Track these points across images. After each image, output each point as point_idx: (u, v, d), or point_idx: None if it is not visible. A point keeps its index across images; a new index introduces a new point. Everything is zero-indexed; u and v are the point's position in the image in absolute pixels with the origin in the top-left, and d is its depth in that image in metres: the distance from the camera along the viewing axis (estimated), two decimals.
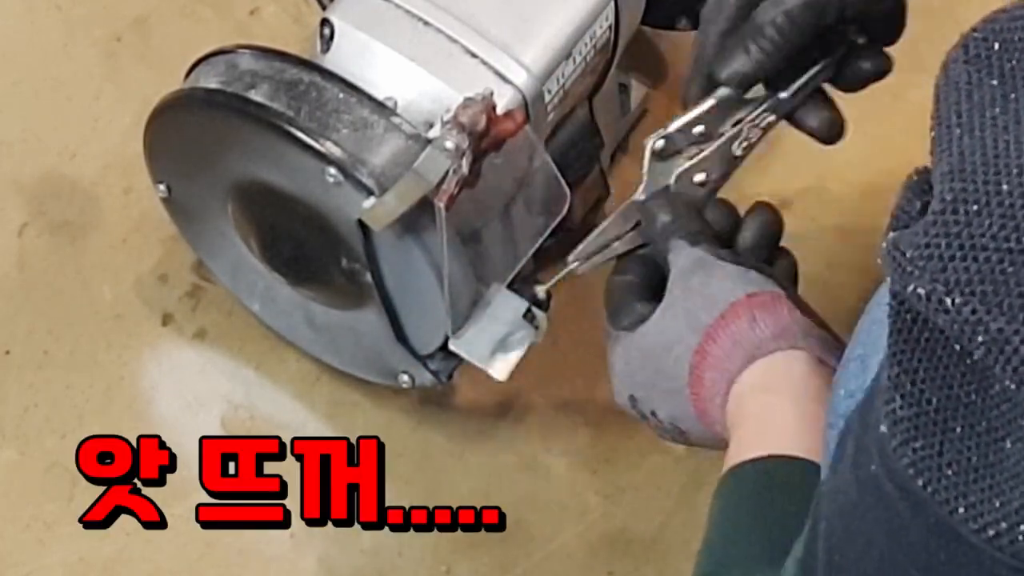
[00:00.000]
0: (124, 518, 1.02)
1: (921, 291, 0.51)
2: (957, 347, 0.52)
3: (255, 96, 0.91)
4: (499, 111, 0.86)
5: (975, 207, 0.51)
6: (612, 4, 0.98)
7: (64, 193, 1.14)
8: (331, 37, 0.94)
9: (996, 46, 0.55)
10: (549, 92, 0.96)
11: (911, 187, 0.55)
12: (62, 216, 1.13)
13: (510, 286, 0.96)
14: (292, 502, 1.03)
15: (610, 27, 0.99)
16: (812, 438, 0.81)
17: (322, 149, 0.88)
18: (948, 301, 0.51)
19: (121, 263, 1.11)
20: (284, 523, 1.01)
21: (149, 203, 1.07)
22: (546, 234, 0.96)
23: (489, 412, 1.07)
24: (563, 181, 0.94)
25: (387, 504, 1.03)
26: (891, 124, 1.17)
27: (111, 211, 1.13)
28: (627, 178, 1.14)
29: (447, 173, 0.84)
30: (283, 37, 1.17)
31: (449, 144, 0.83)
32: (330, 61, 0.93)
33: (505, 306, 0.96)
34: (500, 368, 0.95)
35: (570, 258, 0.94)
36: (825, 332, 0.87)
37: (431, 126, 0.90)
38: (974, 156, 0.52)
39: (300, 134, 0.89)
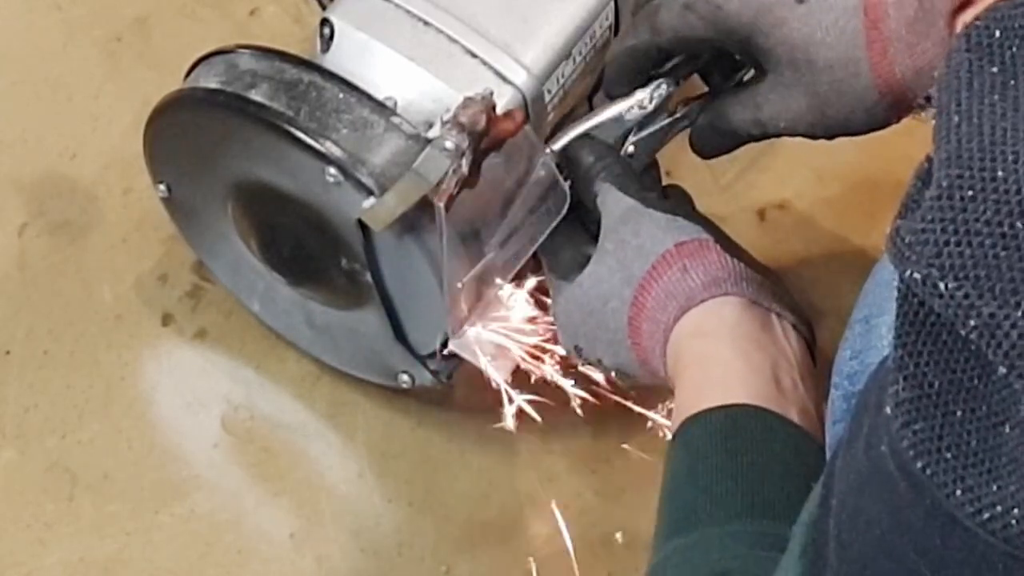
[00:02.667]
0: (124, 518, 1.03)
1: (917, 275, 0.52)
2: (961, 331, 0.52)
3: (255, 96, 0.91)
4: (499, 111, 0.86)
5: (970, 193, 0.52)
6: (612, 4, 0.98)
7: (64, 193, 1.14)
8: (331, 37, 0.94)
9: (997, 33, 0.55)
10: (549, 92, 0.96)
11: (919, 174, 0.56)
12: (62, 216, 1.13)
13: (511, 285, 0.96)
14: (292, 502, 1.04)
15: (610, 27, 0.99)
16: (756, 384, 0.84)
17: (322, 149, 0.88)
18: (942, 285, 0.51)
19: (121, 263, 1.11)
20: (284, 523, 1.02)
21: (149, 203, 1.07)
22: (546, 234, 0.96)
23: (489, 412, 1.07)
24: (563, 181, 0.94)
25: (387, 504, 1.04)
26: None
27: (111, 211, 1.13)
28: None
29: (447, 173, 0.84)
30: (283, 37, 1.17)
31: (449, 144, 0.83)
32: (330, 61, 0.93)
33: (505, 306, 0.96)
34: (501, 368, 0.95)
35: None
36: (756, 273, 0.88)
37: (431, 126, 0.90)
38: (971, 143, 0.52)
39: (300, 134, 0.89)
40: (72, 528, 1.02)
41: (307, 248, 0.97)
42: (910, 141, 1.15)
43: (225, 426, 1.06)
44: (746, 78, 0.94)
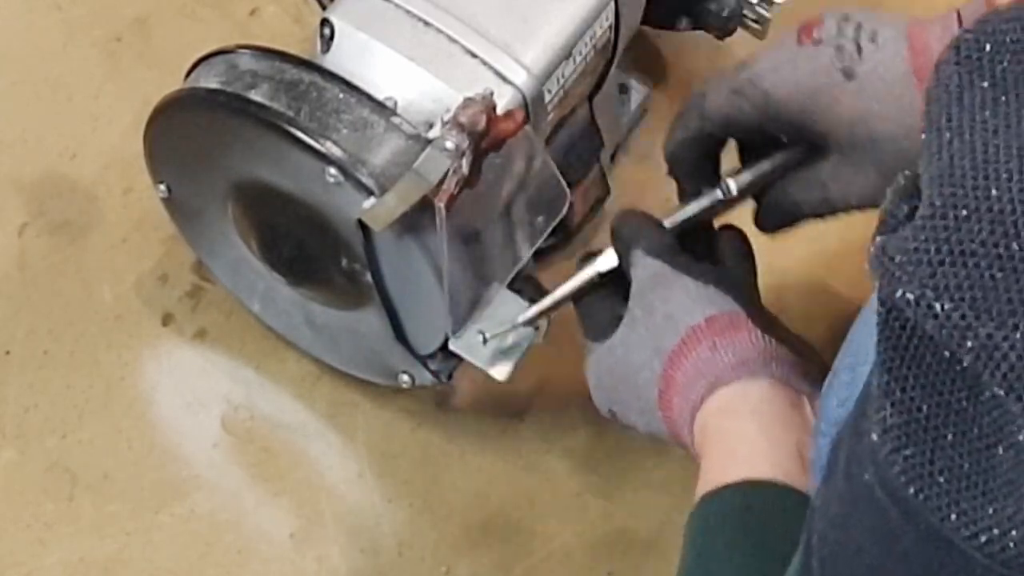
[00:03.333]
0: (124, 518, 1.03)
1: (910, 296, 0.51)
2: (947, 353, 0.51)
3: (255, 96, 0.91)
4: (499, 111, 0.86)
5: (964, 212, 0.51)
6: (612, 4, 0.98)
7: (64, 193, 1.14)
8: (331, 37, 0.94)
9: (987, 47, 0.55)
10: (549, 92, 0.96)
11: (898, 191, 0.55)
12: (62, 216, 1.13)
13: (510, 286, 0.96)
14: (292, 502, 1.04)
15: (610, 27, 0.99)
16: (781, 461, 0.82)
17: (322, 149, 0.88)
18: (937, 306, 0.50)
19: (121, 263, 1.11)
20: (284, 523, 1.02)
21: (149, 203, 1.07)
22: (546, 234, 0.96)
23: (489, 412, 1.07)
24: (563, 181, 0.94)
25: (387, 504, 1.04)
26: None
27: (111, 211, 1.13)
28: (627, 178, 1.14)
29: (447, 173, 0.84)
30: (283, 37, 1.17)
31: (449, 144, 0.83)
32: (330, 61, 0.93)
33: (505, 306, 0.96)
34: (500, 369, 0.95)
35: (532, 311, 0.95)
36: (788, 349, 0.86)
37: (431, 126, 0.90)
38: (963, 160, 0.52)
39: (300, 134, 0.89)
40: (72, 528, 1.02)
41: (307, 248, 0.97)
42: None
43: (225, 426, 1.06)
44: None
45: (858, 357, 0.75)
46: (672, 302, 0.87)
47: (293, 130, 0.89)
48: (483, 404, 1.07)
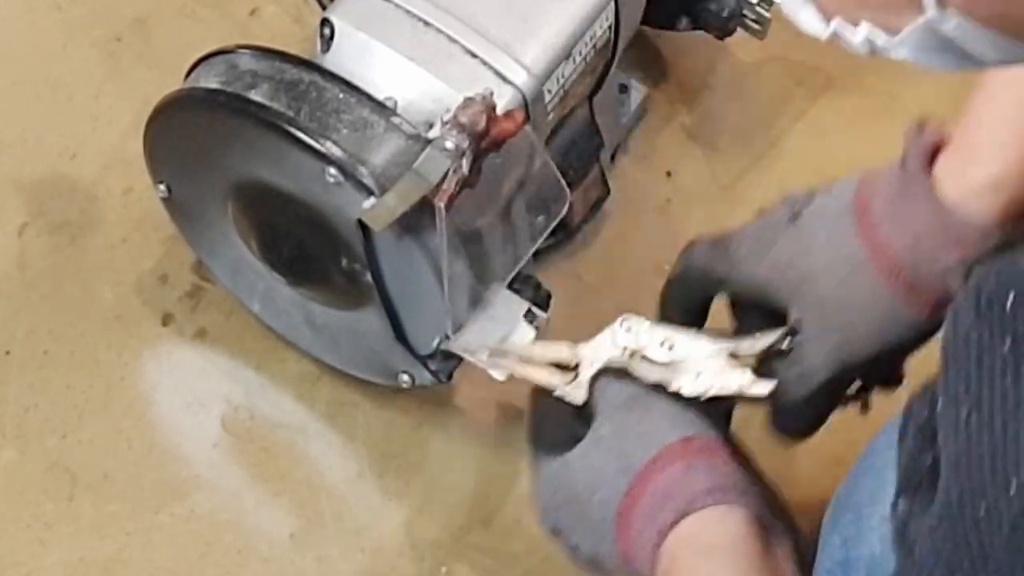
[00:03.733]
0: (124, 518, 1.03)
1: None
2: None
3: (255, 96, 0.91)
4: (499, 111, 0.86)
5: (983, 512, 0.48)
6: (612, 4, 0.98)
7: (64, 193, 1.14)
8: (331, 37, 0.94)
9: (1010, 299, 0.51)
10: (549, 92, 0.96)
11: (919, 430, 0.52)
12: (62, 216, 1.13)
13: (510, 286, 0.96)
14: (292, 502, 1.04)
15: (610, 27, 0.99)
16: None
17: (322, 149, 0.88)
18: None
19: (121, 263, 1.11)
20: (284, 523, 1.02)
21: (149, 203, 1.07)
22: (546, 234, 0.96)
23: (489, 412, 1.07)
24: (563, 181, 0.94)
25: (387, 504, 1.04)
26: (891, 124, 1.17)
27: (111, 211, 1.13)
28: (627, 178, 1.14)
29: (447, 173, 0.84)
30: (283, 37, 1.17)
31: (449, 144, 0.83)
32: (330, 61, 0.93)
33: (505, 306, 0.96)
34: (500, 369, 0.95)
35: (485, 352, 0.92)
36: (761, 486, 0.81)
37: (431, 126, 0.90)
38: (982, 443, 0.48)
39: (300, 134, 0.89)
40: (72, 528, 1.02)
41: (307, 248, 0.97)
42: None
43: (225, 426, 1.06)
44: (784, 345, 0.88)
45: (864, 497, 0.72)
46: (648, 422, 0.82)
47: (293, 130, 0.89)
48: (483, 404, 1.07)
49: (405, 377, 1.00)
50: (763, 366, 0.86)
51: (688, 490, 0.79)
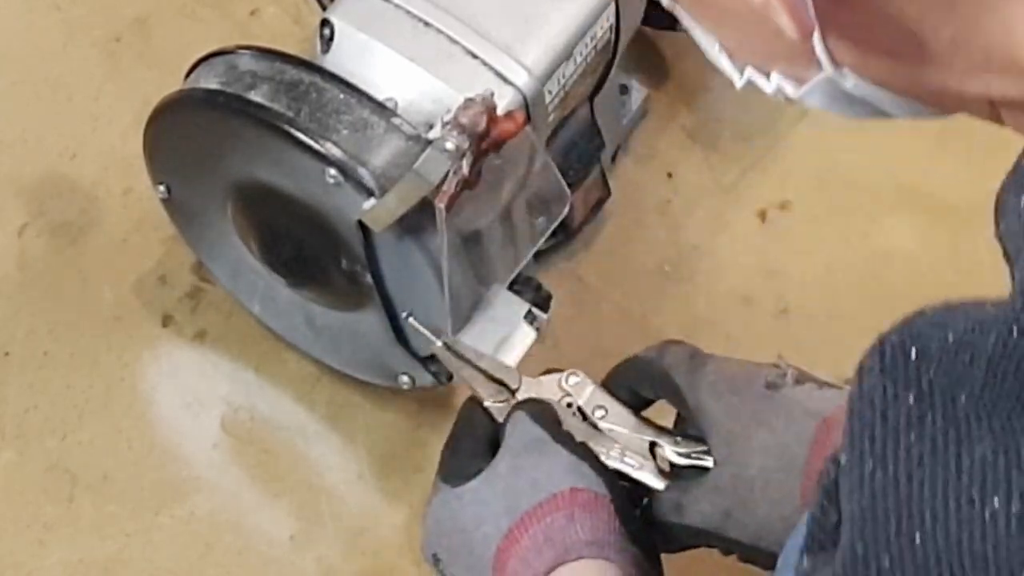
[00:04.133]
0: (124, 519, 1.03)
1: None
2: None
3: (255, 97, 0.90)
4: (500, 112, 0.85)
5: (887, 563, 0.48)
6: (613, 5, 0.98)
7: (64, 193, 1.14)
8: (331, 38, 0.94)
9: (913, 354, 0.51)
10: (550, 93, 0.96)
11: (827, 490, 0.52)
12: (62, 216, 1.13)
13: (510, 287, 0.96)
14: (292, 503, 1.04)
15: (611, 28, 0.99)
16: None
17: (322, 150, 0.88)
18: None
19: (121, 263, 1.11)
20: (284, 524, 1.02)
21: (149, 203, 1.06)
22: (546, 235, 0.96)
23: None
24: (563, 182, 0.94)
25: (387, 505, 1.03)
26: (891, 124, 1.17)
27: (111, 211, 1.13)
28: (628, 179, 1.14)
29: (447, 174, 0.83)
30: (283, 37, 1.17)
31: (449, 145, 0.83)
32: (330, 62, 0.93)
33: (505, 307, 0.96)
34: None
35: (443, 336, 0.92)
36: (639, 550, 0.81)
37: (431, 127, 0.90)
38: (887, 499, 0.49)
39: (300, 135, 0.89)
40: (72, 529, 1.02)
41: (307, 249, 0.97)
42: (911, 141, 1.15)
43: (225, 427, 1.06)
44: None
45: (787, 560, 0.72)
46: (543, 467, 0.83)
47: (293, 131, 0.89)
48: None
49: (405, 378, 1.00)
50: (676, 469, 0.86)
51: (567, 539, 0.80)
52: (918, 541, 0.48)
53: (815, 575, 0.50)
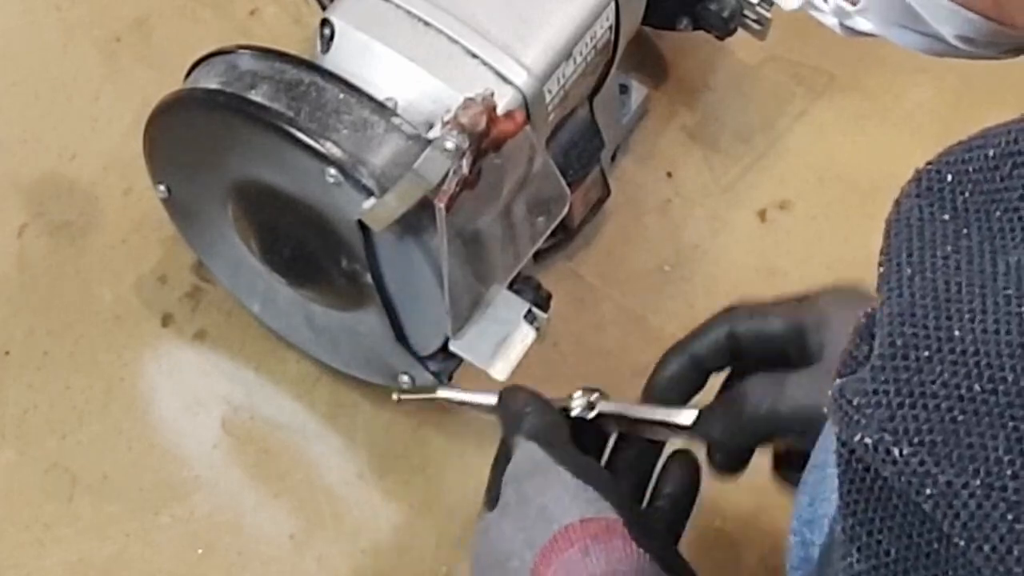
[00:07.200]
0: (124, 519, 1.03)
1: (868, 441, 0.49)
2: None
3: (255, 97, 0.90)
4: (499, 112, 0.85)
5: (926, 353, 0.49)
6: (613, 4, 0.98)
7: (64, 193, 1.14)
8: (331, 37, 0.94)
9: (949, 178, 0.53)
10: (549, 92, 0.96)
11: (860, 331, 0.53)
12: (62, 216, 1.13)
13: (510, 287, 0.96)
14: (292, 503, 1.04)
15: (611, 27, 0.99)
16: None
17: (322, 149, 0.88)
18: (896, 451, 0.48)
19: (121, 263, 1.11)
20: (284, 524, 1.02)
21: (149, 203, 1.06)
22: (546, 235, 0.96)
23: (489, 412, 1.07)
24: (563, 181, 0.94)
25: (387, 504, 1.03)
26: (891, 124, 1.17)
27: (111, 211, 1.13)
28: (627, 178, 1.14)
29: (447, 174, 0.83)
30: (283, 37, 1.18)
31: (449, 144, 0.83)
32: (330, 61, 0.93)
33: (505, 307, 0.96)
34: (500, 368, 0.95)
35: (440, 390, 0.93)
36: (662, 568, 0.80)
37: (431, 126, 0.90)
38: (925, 299, 0.50)
39: (300, 134, 0.89)
40: (71, 529, 1.02)
41: (307, 249, 0.97)
42: (911, 141, 1.15)
43: (225, 427, 1.06)
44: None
45: (828, 456, 0.73)
46: (548, 495, 0.81)
47: (293, 130, 0.89)
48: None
49: (405, 378, 1.00)
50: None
51: (585, 572, 0.79)
52: (957, 333, 0.49)
53: (847, 386, 0.51)
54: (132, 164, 1.06)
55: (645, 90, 1.15)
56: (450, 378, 0.99)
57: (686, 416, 0.85)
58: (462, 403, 0.92)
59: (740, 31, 1.09)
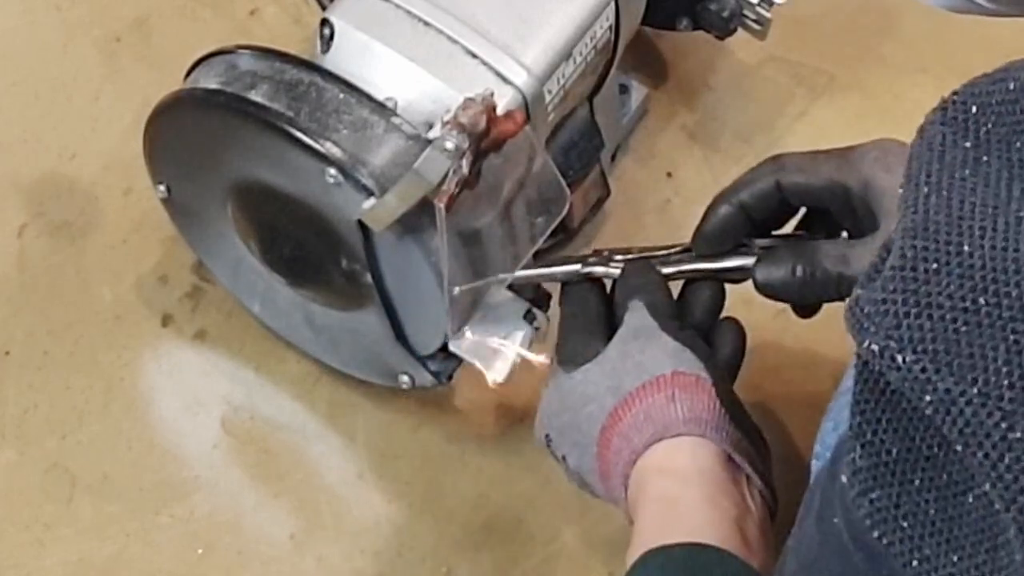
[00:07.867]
0: (124, 519, 1.03)
1: (875, 347, 0.51)
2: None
3: (255, 96, 0.91)
4: (499, 111, 0.85)
5: (935, 265, 0.51)
6: (612, 4, 0.98)
7: (64, 193, 1.14)
8: (331, 37, 0.94)
9: (974, 109, 0.55)
10: (549, 92, 0.96)
11: (885, 246, 0.55)
12: (62, 216, 1.13)
13: (510, 287, 0.96)
14: (292, 503, 1.04)
15: (610, 27, 0.99)
16: (720, 525, 0.81)
17: (322, 149, 0.88)
18: (900, 358, 0.50)
19: (121, 263, 1.11)
20: (284, 524, 1.02)
21: (149, 203, 1.06)
22: (546, 234, 0.96)
23: (488, 413, 1.07)
24: (563, 181, 0.94)
25: (387, 505, 1.03)
26: (891, 123, 1.17)
27: (111, 211, 1.13)
28: (627, 178, 1.14)
29: (447, 173, 0.84)
30: (283, 37, 1.17)
31: (449, 144, 0.83)
32: (330, 61, 0.93)
33: (505, 306, 0.96)
34: (499, 368, 0.95)
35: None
36: (741, 432, 0.85)
37: (431, 126, 0.90)
38: (939, 215, 0.52)
39: (300, 134, 0.89)
40: (71, 529, 1.02)
41: (307, 249, 0.97)
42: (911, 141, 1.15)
43: (225, 427, 1.06)
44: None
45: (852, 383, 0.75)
46: (648, 352, 0.87)
47: (293, 130, 0.89)
48: (483, 405, 1.07)
49: (405, 378, 1.00)
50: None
51: (666, 417, 0.84)
52: (966, 248, 0.51)
53: (862, 298, 0.53)
54: (132, 164, 1.06)
55: (645, 90, 1.15)
56: (450, 378, 0.99)
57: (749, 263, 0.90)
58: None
59: (740, 31, 1.09)
